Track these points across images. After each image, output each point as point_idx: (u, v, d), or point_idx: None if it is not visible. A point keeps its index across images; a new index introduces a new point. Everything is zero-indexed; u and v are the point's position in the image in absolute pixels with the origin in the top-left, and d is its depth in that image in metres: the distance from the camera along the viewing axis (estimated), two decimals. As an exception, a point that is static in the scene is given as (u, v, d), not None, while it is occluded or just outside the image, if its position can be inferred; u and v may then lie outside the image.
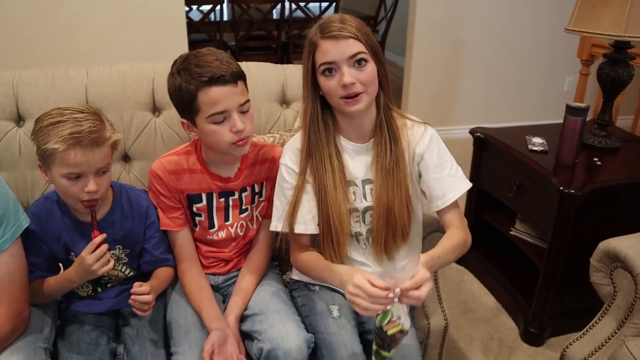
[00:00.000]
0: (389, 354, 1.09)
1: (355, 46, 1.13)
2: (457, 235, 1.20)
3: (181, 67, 1.18)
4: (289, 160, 1.27)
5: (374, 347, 1.10)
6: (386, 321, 1.07)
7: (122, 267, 1.30)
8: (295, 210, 1.24)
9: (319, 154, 1.22)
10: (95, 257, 1.12)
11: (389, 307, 1.07)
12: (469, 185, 1.25)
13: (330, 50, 1.13)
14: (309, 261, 1.26)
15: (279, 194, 1.28)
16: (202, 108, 1.17)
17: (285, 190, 1.26)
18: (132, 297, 1.13)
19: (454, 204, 1.24)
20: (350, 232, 1.27)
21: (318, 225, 1.25)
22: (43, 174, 1.17)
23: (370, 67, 1.15)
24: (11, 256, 1.08)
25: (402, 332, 1.07)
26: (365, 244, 1.29)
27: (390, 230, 1.24)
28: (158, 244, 1.31)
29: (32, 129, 1.15)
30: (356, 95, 1.14)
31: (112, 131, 1.17)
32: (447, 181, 1.23)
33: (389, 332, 1.08)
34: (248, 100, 1.22)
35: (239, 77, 1.19)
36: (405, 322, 1.07)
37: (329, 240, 1.24)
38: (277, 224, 1.28)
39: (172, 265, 1.34)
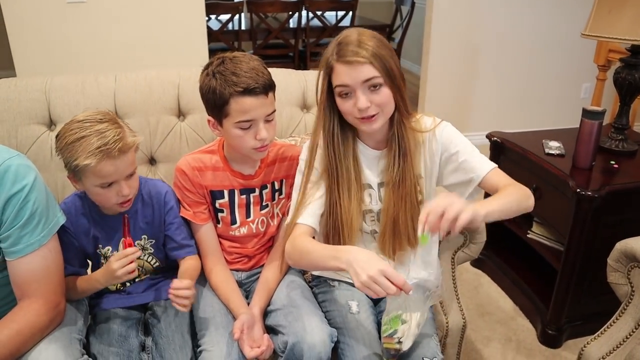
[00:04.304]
0: None
1: (368, 71, 1.14)
2: (506, 188, 1.19)
3: (217, 71, 1.21)
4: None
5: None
6: (387, 334, 1.14)
7: (147, 257, 1.34)
8: (304, 203, 1.26)
9: (337, 163, 1.25)
10: (121, 264, 1.17)
11: (394, 315, 1.14)
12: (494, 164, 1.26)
13: (344, 75, 1.15)
14: (308, 245, 1.21)
15: (296, 188, 1.31)
16: (232, 114, 1.21)
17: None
18: (172, 291, 1.15)
19: (492, 173, 1.24)
20: (365, 230, 1.31)
21: (326, 226, 1.27)
22: (74, 184, 1.21)
23: (385, 90, 1.17)
24: (49, 251, 1.12)
25: (398, 350, 1.14)
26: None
27: (397, 239, 1.28)
28: (179, 230, 1.34)
29: (56, 145, 1.17)
30: (372, 116, 1.18)
31: (131, 134, 1.20)
32: (472, 159, 1.25)
33: (384, 345, 1.16)
34: (274, 110, 1.26)
35: (270, 88, 1.24)
36: (406, 343, 1.13)
37: (336, 238, 1.26)
38: None
39: (195, 253, 1.37)
